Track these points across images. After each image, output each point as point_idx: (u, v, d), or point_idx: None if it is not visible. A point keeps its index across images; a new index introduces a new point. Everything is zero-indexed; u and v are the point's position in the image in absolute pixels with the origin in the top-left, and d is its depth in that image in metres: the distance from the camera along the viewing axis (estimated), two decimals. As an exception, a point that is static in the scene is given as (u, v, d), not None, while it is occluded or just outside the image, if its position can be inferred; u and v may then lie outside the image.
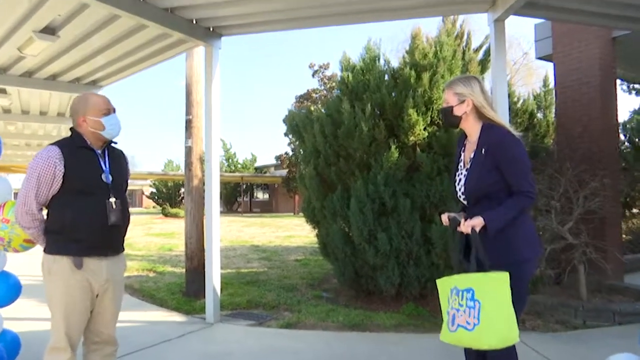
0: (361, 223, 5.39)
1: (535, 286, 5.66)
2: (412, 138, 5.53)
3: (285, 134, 32.93)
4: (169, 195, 37.88)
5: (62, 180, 2.45)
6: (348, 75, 6.00)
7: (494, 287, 2.28)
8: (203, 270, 6.30)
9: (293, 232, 15.97)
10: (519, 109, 7.07)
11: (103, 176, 2.57)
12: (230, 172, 37.61)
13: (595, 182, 5.47)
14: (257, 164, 41.48)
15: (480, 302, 2.24)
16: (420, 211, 5.43)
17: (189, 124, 6.31)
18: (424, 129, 5.52)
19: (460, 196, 2.64)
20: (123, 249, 2.75)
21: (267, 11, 4.76)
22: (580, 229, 5.50)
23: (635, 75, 7.75)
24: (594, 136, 5.99)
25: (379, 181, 5.40)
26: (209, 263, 5.06)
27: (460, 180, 2.63)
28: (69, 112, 2.67)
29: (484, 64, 6.09)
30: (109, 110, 2.63)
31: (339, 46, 68.97)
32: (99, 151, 2.63)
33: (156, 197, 37.80)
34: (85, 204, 2.48)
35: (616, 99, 6.31)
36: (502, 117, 4.26)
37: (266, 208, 40.88)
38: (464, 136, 2.74)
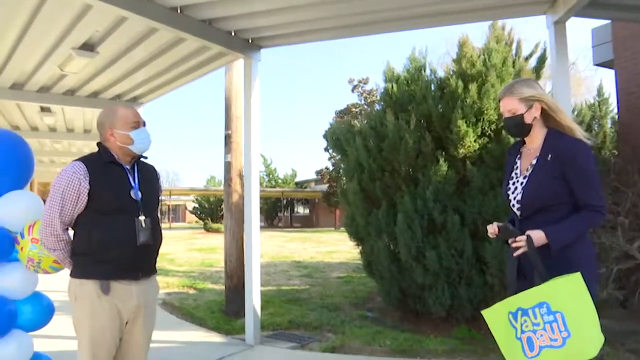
0: (409, 240, 5.08)
1: (601, 310, 5.17)
2: (461, 150, 5.19)
3: (326, 149, 32.96)
4: (211, 210, 38.39)
5: (87, 198, 2.29)
6: (392, 86, 5.75)
7: (570, 292, 2.02)
8: (243, 288, 6.11)
9: (334, 247, 15.69)
10: (574, 120, 6.62)
11: (132, 193, 2.40)
12: (271, 187, 37.84)
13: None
14: (297, 179, 41.60)
15: (563, 312, 1.99)
16: (471, 228, 5.07)
17: (228, 139, 6.18)
18: (474, 141, 5.18)
19: (513, 205, 2.36)
20: (155, 271, 2.57)
21: (307, 20, 4.58)
22: (650, 247, 5.00)
23: None
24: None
25: (428, 196, 5.09)
26: (249, 282, 4.86)
27: (516, 188, 2.36)
28: (97, 126, 2.52)
29: (537, 72, 5.70)
30: (138, 124, 2.47)
31: (376, 60, 68.69)
32: (128, 166, 2.47)
33: (198, 212, 38.35)
34: (113, 222, 2.31)
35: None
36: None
37: (307, 223, 40.75)
38: (519, 143, 2.49)
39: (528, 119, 2.32)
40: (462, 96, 5.20)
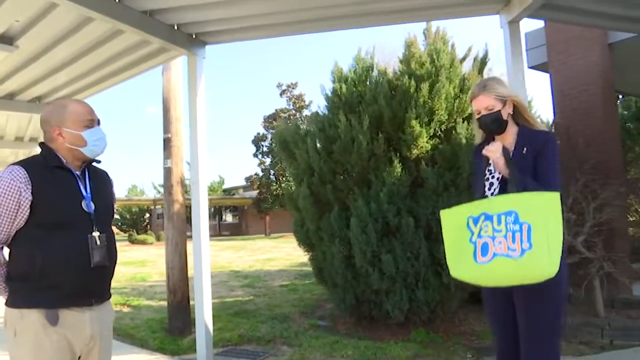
0: (364, 244, 4.92)
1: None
2: (415, 151, 5.13)
3: (255, 155, 32.56)
4: (134, 221, 36.65)
5: (29, 210, 1.90)
6: (341, 86, 5.58)
7: (543, 207, 1.99)
8: (188, 304, 5.71)
9: (270, 254, 15.33)
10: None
11: (83, 204, 2.02)
12: (198, 195, 36.61)
13: (605, 191, 5.19)
14: (225, 186, 40.65)
15: (531, 224, 1.95)
16: (425, 230, 5.00)
17: (167, 143, 5.73)
18: (427, 141, 5.14)
19: None
20: (110, 295, 2.19)
21: (255, 14, 4.29)
22: (593, 241, 5.19)
23: (627, 86, 7.58)
24: (600, 145, 5.75)
25: (382, 198, 4.96)
26: (200, 295, 4.46)
27: (491, 184, 2.38)
28: (40, 123, 2.11)
29: (480, 72, 5.77)
30: (93, 122, 2.09)
31: (305, 65, 68.74)
32: (78, 172, 2.09)
33: (120, 224, 36.42)
34: (61, 240, 1.93)
35: (617, 106, 6.12)
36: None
37: (236, 230, 39.87)
38: (486, 142, 2.49)
39: (505, 116, 2.39)
40: (414, 96, 5.14)
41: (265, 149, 31.92)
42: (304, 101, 31.37)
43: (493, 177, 2.38)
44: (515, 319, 2.26)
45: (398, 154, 5.11)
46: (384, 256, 4.85)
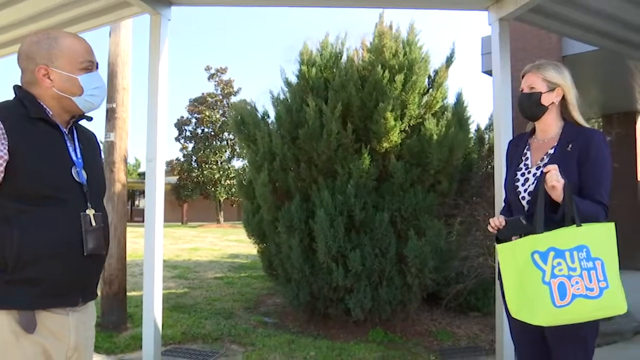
0: (330, 239, 4.66)
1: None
2: (385, 144, 4.96)
3: (177, 139, 31.07)
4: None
5: (2, 174, 1.42)
6: (309, 69, 5.26)
7: (607, 240, 1.88)
8: (124, 296, 5.15)
9: (194, 244, 14.60)
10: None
11: (74, 172, 1.57)
12: (111, 177, 34.46)
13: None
14: (140, 170, 38.60)
15: (603, 260, 1.83)
16: (392, 226, 4.85)
17: (111, 114, 5.08)
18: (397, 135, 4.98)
19: (523, 198, 2.19)
20: (97, 295, 1.75)
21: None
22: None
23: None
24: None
25: (349, 191, 4.73)
26: (149, 287, 3.96)
27: (526, 180, 2.20)
28: (18, 59, 1.61)
29: (447, 68, 5.71)
30: (92, 64, 1.65)
31: (237, 50, 66.52)
32: (65, 130, 1.63)
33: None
34: (45, 218, 1.47)
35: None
36: (507, 124, 3.96)
37: (149, 217, 37.95)
38: (526, 135, 2.38)
39: (545, 101, 2.20)
40: (387, 88, 4.95)
41: (188, 133, 30.62)
42: (233, 87, 30.46)
43: (529, 172, 2.21)
44: (544, 352, 2.12)
45: (368, 146, 4.90)
46: (351, 252, 4.63)
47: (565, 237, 1.88)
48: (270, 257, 5.54)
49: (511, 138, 2.71)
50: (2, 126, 1.43)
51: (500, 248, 2.05)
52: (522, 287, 1.91)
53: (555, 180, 1.92)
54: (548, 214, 1.97)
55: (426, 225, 4.83)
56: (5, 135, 1.43)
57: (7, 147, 1.42)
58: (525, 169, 2.24)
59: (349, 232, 4.79)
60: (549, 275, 1.84)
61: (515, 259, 1.96)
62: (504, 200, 2.46)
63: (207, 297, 6.65)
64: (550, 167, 1.97)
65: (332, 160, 4.97)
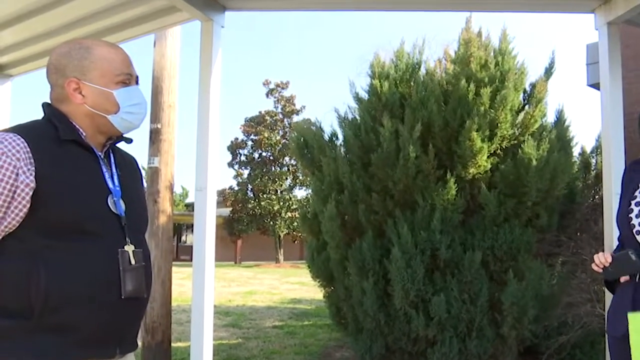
0: (408, 281, 4.74)
1: None
2: (471, 170, 5.01)
3: (230, 165, 32.14)
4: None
5: (29, 203, 1.44)
6: (382, 84, 5.44)
7: None
8: (169, 346, 5.43)
9: (250, 287, 15.02)
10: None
11: (110, 201, 1.59)
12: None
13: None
14: (188, 200, 40.12)
15: None
16: (485, 268, 4.87)
17: (155, 136, 5.41)
18: (486, 159, 5.03)
19: (638, 232, 2.18)
20: (137, 345, 1.77)
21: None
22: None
23: None
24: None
25: (433, 226, 4.80)
26: (198, 336, 4.16)
27: None
28: (47, 72, 1.66)
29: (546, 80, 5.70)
30: (131, 78, 1.68)
31: (296, 63, 68.47)
32: (101, 153, 1.67)
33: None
34: (77, 255, 1.49)
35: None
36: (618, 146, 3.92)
37: (198, 255, 39.18)
38: None
39: None
40: (473, 103, 5.02)
41: (243, 158, 31.59)
42: (295, 105, 31.27)
43: None
44: None
45: (453, 173, 4.97)
46: (435, 297, 4.68)
47: None
48: (339, 303, 5.67)
49: (623, 162, 2.73)
50: (28, 149, 1.44)
51: (631, 317, 2.01)
52: None
53: None
54: None
55: (526, 267, 4.81)
56: (32, 160, 1.44)
57: (33, 174, 1.43)
58: None
59: (430, 274, 4.85)
60: None
61: None
62: (618, 238, 2.47)
63: (264, 349, 6.86)
64: None
65: (411, 190, 5.08)
